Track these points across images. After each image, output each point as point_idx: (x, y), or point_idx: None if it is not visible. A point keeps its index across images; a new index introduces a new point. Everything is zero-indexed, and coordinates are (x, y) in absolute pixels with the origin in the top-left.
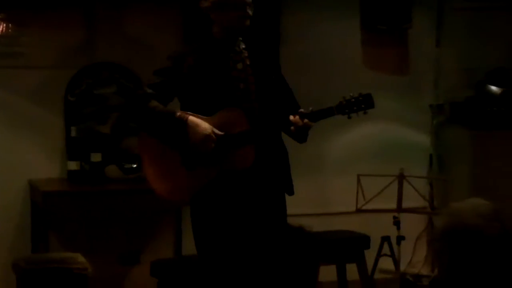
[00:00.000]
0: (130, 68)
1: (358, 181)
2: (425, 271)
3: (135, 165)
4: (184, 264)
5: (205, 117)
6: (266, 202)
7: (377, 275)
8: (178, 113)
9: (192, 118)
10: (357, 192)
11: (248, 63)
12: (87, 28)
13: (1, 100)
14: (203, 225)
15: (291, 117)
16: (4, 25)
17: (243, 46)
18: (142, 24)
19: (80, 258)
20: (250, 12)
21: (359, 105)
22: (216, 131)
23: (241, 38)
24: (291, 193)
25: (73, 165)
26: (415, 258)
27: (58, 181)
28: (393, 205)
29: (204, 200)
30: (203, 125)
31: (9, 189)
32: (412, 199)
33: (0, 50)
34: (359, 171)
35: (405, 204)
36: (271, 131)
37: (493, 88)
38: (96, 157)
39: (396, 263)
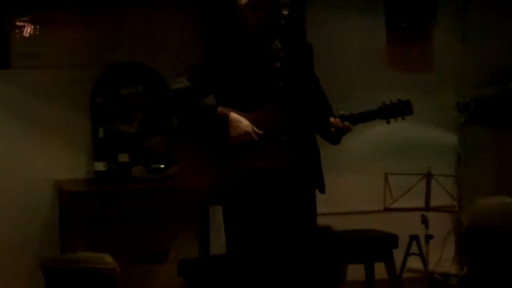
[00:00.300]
0: (155, 68)
1: (386, 179)
2: (453, 270)
3: (162, 166)
4: (212, 263)
5: (244, 114)
6: (298, 200)
7: (405, 274)
8: (220, 109)
9: (233, 114)
10: (385, 191)
11: (284, 62)
12: (113, 28)
13: (28, 101)
14: (235, 222)
15: (332, 119)
16: (31, 26)
17: (279, 46)
18: (166, 25)
19: (108, 258)
20: (285, 12)
21: (398, 111)
22: (256, 129)
23: (278, 39)
24: (323, 191)
25: (100, 166)
26: (443, 257)
27: (85, 182)
28: (420, 203)
29: (237, 196)
30: (244, 122)
31: (37, 190)
32: (440, 198)
33: (27, 51)
34: (385, 170)
35: (432, 203)
36: (307, 131)
37: None
38: (123, 158)
39: (425, 262)
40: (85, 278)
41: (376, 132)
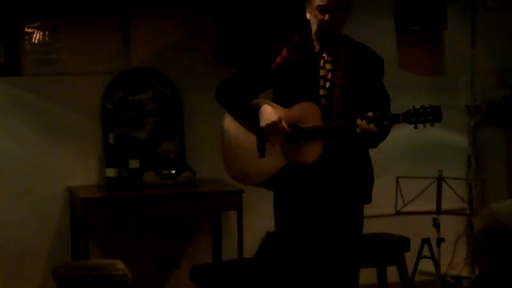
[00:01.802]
0: (165, 73)
1: (397, 183)
2: (465, 272)
3: (173, 171)
4: (224, 269)
5: (281, 108)
6: (327, 200)
7: (417, 277)
8: (255, 100)
9: (265, 106)
10: (396, 194)
11: (342, 66)
12: (122, 33)
13: (39, 108)
14: (276, 213)
15: (358, 120)
16: (40, 32)
17: (343, 50)
18: (176, 29)
19: (120, 264)
20: (337, 17)
21: (427, 116)
22: (283, 122)
23: (342, 42)
24: (368, 201)
25: (111, 172)
26: (455, 260)
27: (97, 188)
28: (432, 206)
29: (275, 188)
30: (273, 113)
31: (48, 196)
32: (451, 201)
33: (36, 57)
34: (396, 173)
35: (444, 206)
36: (342, 132)
37: None
38: (134, 164)
39: (437, 265)
40: (97, 285)
41: (388, 136)
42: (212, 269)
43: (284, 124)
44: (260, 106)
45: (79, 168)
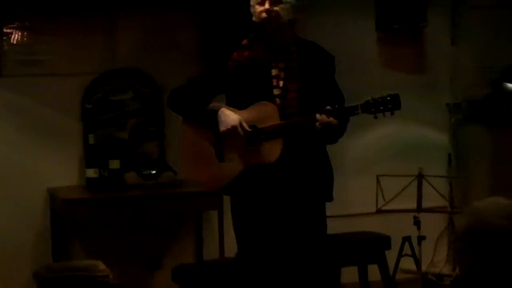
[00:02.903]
0: (149, 73)
1: (378, 181)
2: (446, 270)
3: (154, 171)
4: (206, 269)
5: (238, 110)
6: (291, 200)
7: (398, 276)
8: (212, 104)
9: (223, 109)
10: (377, 193)
11: (294, 64)
12: (106, 34)
13: (19, 108)
14: (234, 219)
15: (317, 115)
16: (21, 33)
17: (294, 48)
18: (160, 30)
19: (101, 265)
20: (276, 8)
21: (386, 105)
22: (244, 124)
23: (293, 41)
24: (329, 199)
25: (91, 173)
26: (436, 258)
27: (78, 189)
28: (413, 205)
29: (236, 193)
30: (232, 116)
31: (29, 197)
32: (432, 199)
33: (18, 58)
34: (378, 172)
35: (425, 204)
36: (301, 128)
37: (510, 85)
38: (114, 164)
39: (418, 263)
40: (79, 286)
41: (369, 135)
42: (194, 269)
43: (245, 125)
44: (218, 110)
45: (59, 168)
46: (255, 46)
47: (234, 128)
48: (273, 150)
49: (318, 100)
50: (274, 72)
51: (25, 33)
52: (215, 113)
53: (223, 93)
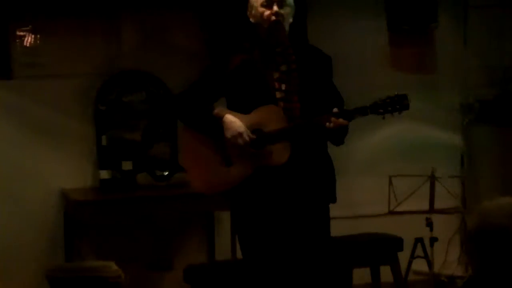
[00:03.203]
0: (157, 75)
1: (390, 182)
2: (459, 271)
3: (166, 173)
4: (218, 269)
5: (243, 114)
6: (300, 202)
7: (411, 277)
8: (216, 110)
9: (228, 115)
10: (389, 194)
11: (294, 67)
12: (114, 36)
13: (32, 111)
14: (240, 222)
15: (326, 116)
16: (32, 35)
17: (291, 50)
18: (167, 31)
19: (113, 266)
20: (282, 11)
21: (394, 106)
22: (248, 132)
23: (289, 44)
24: (333, 200)
25: (104, 174)
26: (448, 259)
27: (90, 190)
28: (425, 206)
29: (242, 197)
30: (238, 122)
31: (42, 198)
32: (444, 200)
33: (29, 60)
34: (389, 172)
35: (437, 205)
36: (308, 131)
37: None
38: (127, 165)
39: (430, 264)
40: (90, 287)
41: (380, 135)
42: (206, 269)
43: (249, 132)
44: (223, 116)
45: (72, 170)
46: (255, 49)
47: (240, 134)
48: (282, 152)
49: (320, 102)
50: (275, 75)
51: (36, 36)
52: (219, 120)
53: (223, 96)
